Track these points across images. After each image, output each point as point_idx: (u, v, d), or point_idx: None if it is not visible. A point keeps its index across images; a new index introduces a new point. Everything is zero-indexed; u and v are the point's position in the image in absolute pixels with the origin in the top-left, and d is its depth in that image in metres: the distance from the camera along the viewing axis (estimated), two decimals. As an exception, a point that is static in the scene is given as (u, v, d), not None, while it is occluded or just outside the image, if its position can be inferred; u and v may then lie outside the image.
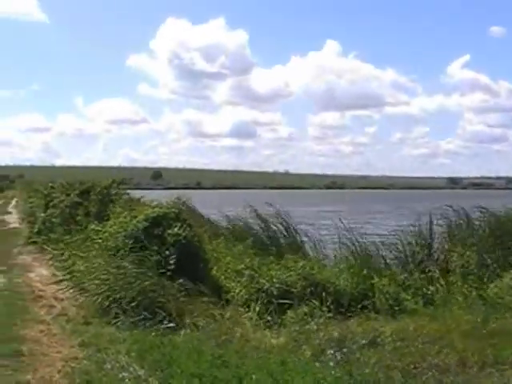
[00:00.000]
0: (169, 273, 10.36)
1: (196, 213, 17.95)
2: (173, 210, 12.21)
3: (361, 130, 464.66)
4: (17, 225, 28.12)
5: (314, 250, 13.30)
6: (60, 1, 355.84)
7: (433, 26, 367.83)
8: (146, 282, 9.66)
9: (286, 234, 14.39)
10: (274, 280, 10.27)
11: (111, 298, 9.38)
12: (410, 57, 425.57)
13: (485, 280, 10.80)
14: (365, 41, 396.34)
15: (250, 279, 10.66)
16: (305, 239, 14.17)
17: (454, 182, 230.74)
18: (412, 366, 6.98)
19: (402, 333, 8.29)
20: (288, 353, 7.46)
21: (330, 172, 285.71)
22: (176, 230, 11.30)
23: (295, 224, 14.70)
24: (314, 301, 9.75)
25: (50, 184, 25.91)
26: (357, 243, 12.28)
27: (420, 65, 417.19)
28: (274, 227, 14.54)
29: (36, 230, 20.03)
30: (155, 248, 10.96)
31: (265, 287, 10.18)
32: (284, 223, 14.47)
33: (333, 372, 6.47)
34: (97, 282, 10.23)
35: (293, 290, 10.16)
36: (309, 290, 10.15)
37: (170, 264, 10.65)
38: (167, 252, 10.90)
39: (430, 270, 11.39)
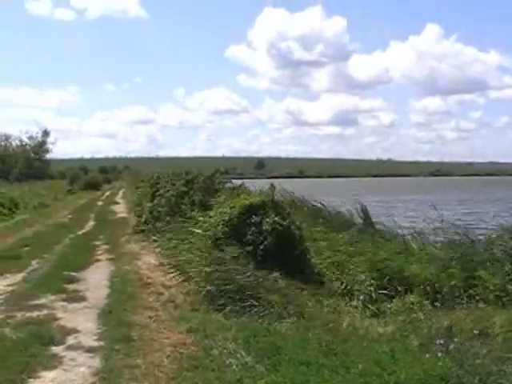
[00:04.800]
0: (268, 261, 10.38)
1: (297, 201, 18.01)
2: (269, 198, 12.19)
3: (465, 116, 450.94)
4: (125, 214, 28.92)
5: (415, 241, 12.98)
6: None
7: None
8: (248, 272, 9.73)
9: (385, 223, 14.24)
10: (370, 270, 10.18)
11: (216, 286, 9.48)
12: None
13: None
14: (466, 23, 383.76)
15: (343, 269, 10.61)
16: (405, 230, 13.94)
17: None
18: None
19: (513, 323, 7.99)
20: (395, 342, 7.34)
21: (434, 159, 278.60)
22: (273, 217, 11.31)
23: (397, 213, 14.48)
24: (415, 291, 9.59)
25: (156, 174, 26.44)
26: (461, 235, 11.88)
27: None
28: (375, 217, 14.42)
29: (143, 219, 20.44)
30: (252, 237, 11.00)
31: (359, 278, 10.10)
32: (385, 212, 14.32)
33: (441, 363, 6.31)
34: (199, 271, 10.39)
35: (392, 280, 10.03)
36: (408, 280, 9.99)
37: (268, 252, 10.68)
38: (265, 240, 10.93)
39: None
